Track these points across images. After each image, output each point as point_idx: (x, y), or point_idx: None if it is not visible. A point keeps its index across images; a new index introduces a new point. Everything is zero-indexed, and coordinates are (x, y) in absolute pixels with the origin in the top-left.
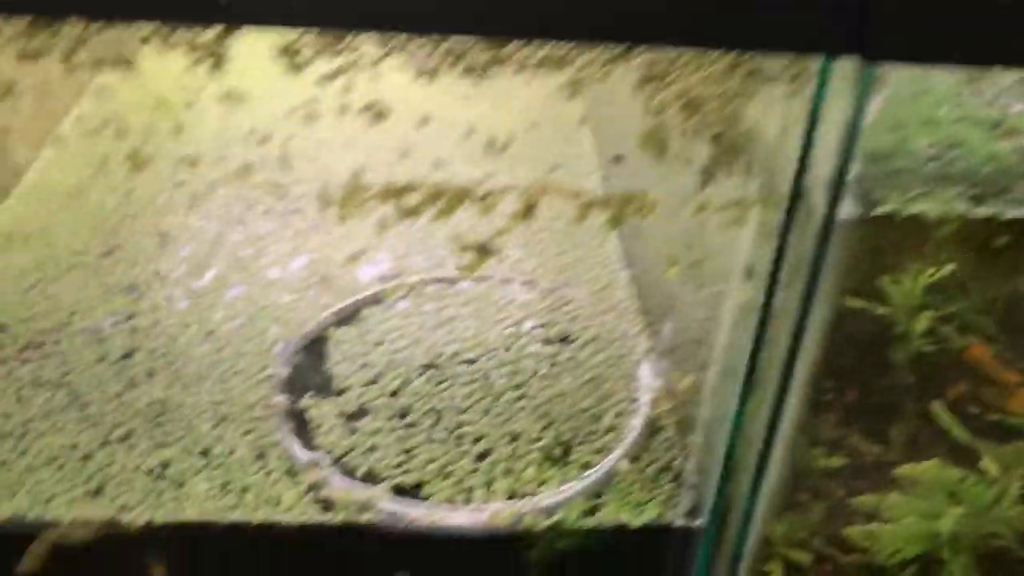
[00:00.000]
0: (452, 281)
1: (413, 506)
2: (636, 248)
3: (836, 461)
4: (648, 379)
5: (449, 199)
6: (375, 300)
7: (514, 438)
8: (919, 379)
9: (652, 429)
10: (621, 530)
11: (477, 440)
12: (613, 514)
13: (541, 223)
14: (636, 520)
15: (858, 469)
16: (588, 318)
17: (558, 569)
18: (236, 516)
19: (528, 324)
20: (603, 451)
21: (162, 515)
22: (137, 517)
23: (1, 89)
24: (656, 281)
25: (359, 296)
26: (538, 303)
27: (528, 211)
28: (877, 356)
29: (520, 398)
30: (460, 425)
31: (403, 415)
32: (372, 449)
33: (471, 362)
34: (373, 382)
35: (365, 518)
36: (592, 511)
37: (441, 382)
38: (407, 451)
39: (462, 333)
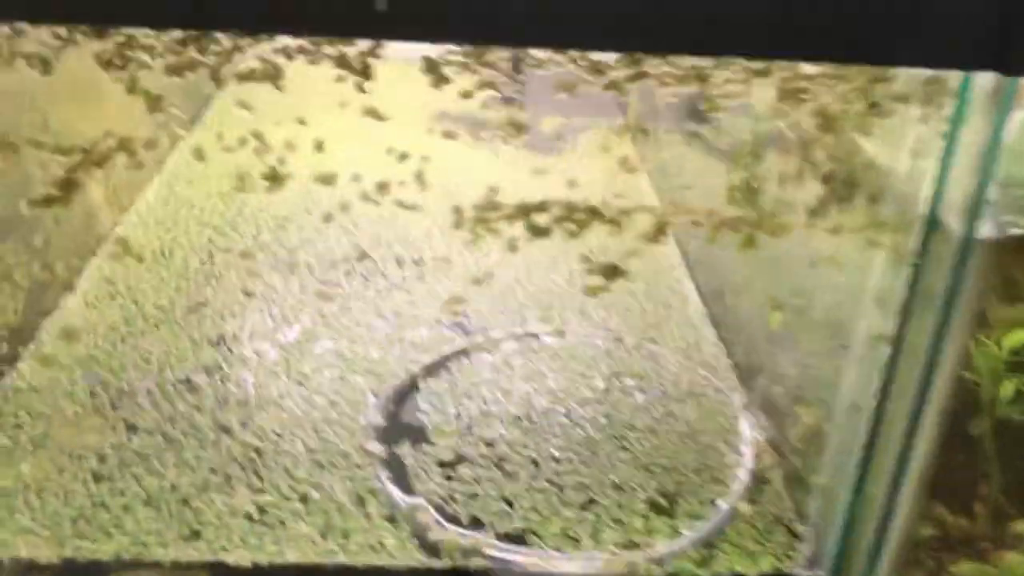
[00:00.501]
0: (537, 336)
1: (523, 553)
2: (719, 308)
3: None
4: (748, 432)
5: (580, 219)
6: (463, 354)
7: (617, 488)
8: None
9: (758, 481)
10: None
11: (579, 489)
12: (728, 564)
13: (623, 284)
14: (752, 570)
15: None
16: (679, 373)
17: None
18: (340, 560)
19: (618, 379)
20: (709, 503)
21: (264, 558)
22: (239, 559)
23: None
24: (747, 339)
25: (447, 350)
26: (626, 359)
27: (660, 232)
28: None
29: (620, 449)
30: (560, 474)
31: (500, 463)
32: (472, 496)
33: (565, 414)
34: (468, 432)
35: (474, 564)
36: (706, 561)
37: (536, 433)
38: (508, 499)
39: (552, 386)
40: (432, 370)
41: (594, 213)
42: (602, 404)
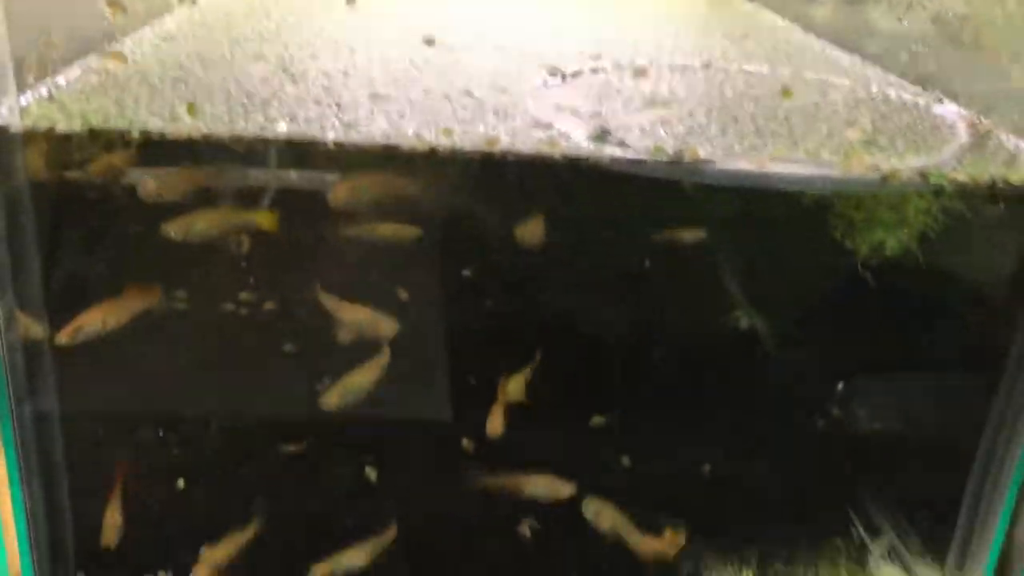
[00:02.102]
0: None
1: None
2: None
3: None
4: (953, 112)
5: None
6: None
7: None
8: None
9: (981, 138)
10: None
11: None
12: (981, 173)
13: None
14: (1013, 177)
15: None
16: (852, 88)
17: None
18: None
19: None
20: (934, 148)
21: None
22: None
23: None
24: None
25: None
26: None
27: None
28: None
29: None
30: None
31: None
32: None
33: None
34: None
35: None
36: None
37: None
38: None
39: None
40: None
41: None
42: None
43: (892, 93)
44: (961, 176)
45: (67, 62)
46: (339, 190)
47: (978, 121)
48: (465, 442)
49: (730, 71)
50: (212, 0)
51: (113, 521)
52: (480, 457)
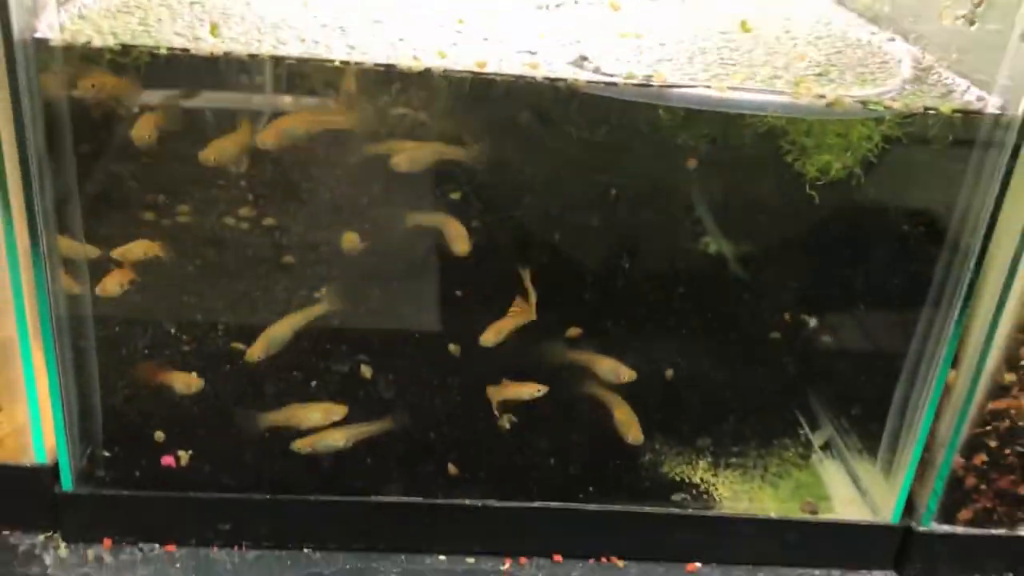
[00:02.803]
0: None
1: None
2: None
3: None
4: (902, 48)
5: None
6: None
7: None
8: None
9: (923, 72)
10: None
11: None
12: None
13: None
14: (945, 107)
15: None
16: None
17: None
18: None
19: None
20: (879, 81)
21: None
22: None
23: None
24: None
25: None
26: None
27: None
28: None
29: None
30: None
31: None
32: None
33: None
34: None
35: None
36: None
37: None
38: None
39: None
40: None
41: None
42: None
43: (851, 32)
44: (897, 105)
45: None
46: (267, 134)
47: (922, 57)
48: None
49: (702, 3)
50: None
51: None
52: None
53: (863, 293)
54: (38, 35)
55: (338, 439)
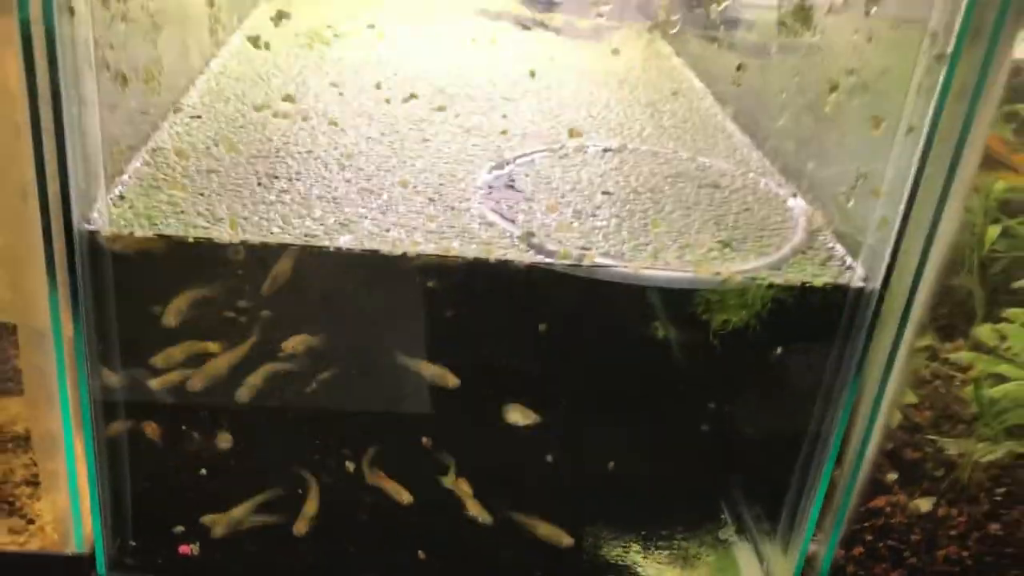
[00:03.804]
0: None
1: (624, 263)
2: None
3: None
4: (802, 207)
5: None
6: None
7: (697, 230)
8: None
9: (813, 235)
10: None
11: (662, 234)
12: (796, 278)
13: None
14: (817, 281)
15: None
16: (734, 176)
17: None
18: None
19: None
20: (775, 247)
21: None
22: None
23: None
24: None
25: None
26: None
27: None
28: None
29: (686, 212)
30: (644, 224)
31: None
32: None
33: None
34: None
35: (586, 264)
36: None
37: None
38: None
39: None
40: (519, 160)
41: None
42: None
43: (763, 182)
44: (779, 280)
45: (127, 159)
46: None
47: (813, 218)
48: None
49: (639, 152)
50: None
51: None
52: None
53: (764, 409)
54: (91, 227)
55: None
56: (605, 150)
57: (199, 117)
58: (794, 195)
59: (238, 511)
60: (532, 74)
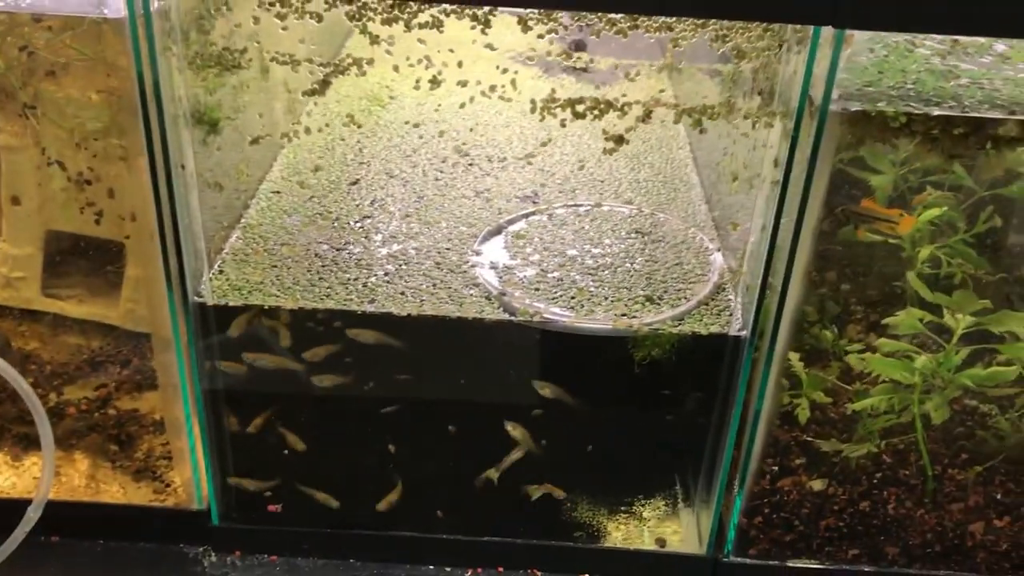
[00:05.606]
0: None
1: (566, 316)
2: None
3: None
4: (719, 262)
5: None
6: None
7: (626, 290)
8: None
9: (719, 289)
10: (697, 337)
11: (600, 296)
12: (690, 328)
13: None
14: (705, 331)
15: None
16: (675, 230)
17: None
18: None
19: (632, 233)
20: (686, 299)
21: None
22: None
23: None
24: (721, 202)
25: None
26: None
27: (647, 116)
28: None
29: (629, 268)
30: (590, 281)
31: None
32: (536, 291)
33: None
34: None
35: (536, 320)
36: (677, 326)
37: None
38: (559, 290)
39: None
40: (511, 222)
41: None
42: (617, 248)
43: (699, 236)
44: (675, 331)
45: (224, 237)
46: None
47: (724, 272)
48: None
49: (611, 211)
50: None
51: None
52: None
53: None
54: (200, 300)
55: None
56: (586, 209)
57: (278, 192)
58: (718, 249)
59: None
60: (545, 143)
